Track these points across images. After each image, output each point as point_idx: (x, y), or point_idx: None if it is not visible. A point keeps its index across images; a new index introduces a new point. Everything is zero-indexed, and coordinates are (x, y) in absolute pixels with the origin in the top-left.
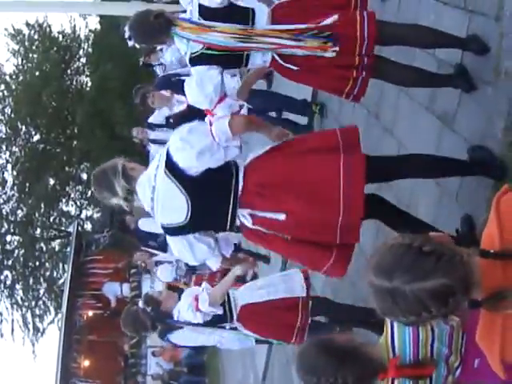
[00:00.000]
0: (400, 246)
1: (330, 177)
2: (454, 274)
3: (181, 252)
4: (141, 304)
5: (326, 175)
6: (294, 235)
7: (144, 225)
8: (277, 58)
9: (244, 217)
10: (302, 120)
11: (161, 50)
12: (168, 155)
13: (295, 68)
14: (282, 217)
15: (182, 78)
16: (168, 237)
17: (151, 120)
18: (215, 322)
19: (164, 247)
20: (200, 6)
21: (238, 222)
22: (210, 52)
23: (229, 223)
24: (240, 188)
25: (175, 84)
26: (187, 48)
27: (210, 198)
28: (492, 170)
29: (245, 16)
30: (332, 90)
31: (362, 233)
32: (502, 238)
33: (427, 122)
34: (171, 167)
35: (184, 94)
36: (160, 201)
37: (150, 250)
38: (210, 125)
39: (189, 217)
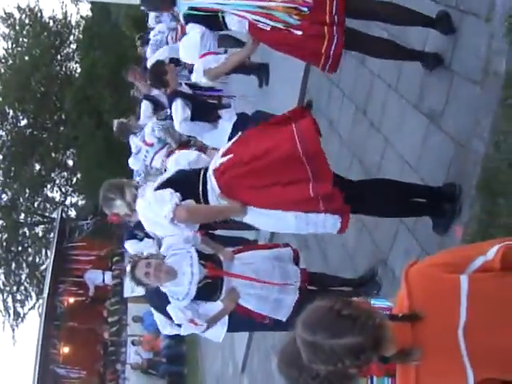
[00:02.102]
0: (323, 307)
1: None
2: (366, 334)
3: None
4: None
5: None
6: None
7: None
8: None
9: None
10: None
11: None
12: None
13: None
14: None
15: None
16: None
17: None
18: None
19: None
20: None
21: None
22: (193, 13)
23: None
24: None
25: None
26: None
27: None
28: (447, 212)
29: None
30: (308, 55)
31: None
32: (411, 301)
33: (414, 120)
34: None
35: None
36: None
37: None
38: None
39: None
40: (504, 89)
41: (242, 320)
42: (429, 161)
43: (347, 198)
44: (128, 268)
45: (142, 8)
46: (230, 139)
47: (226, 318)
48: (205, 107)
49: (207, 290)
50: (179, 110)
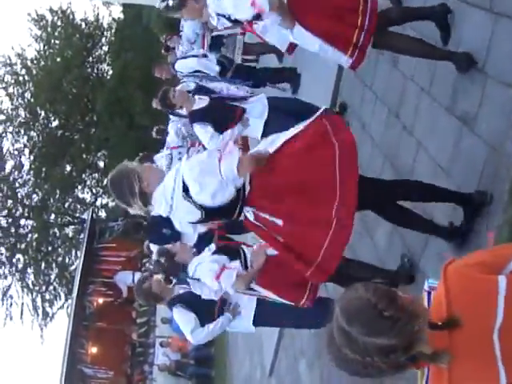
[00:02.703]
0: (367, 300)
1: (327, 174)
2: (402, 337)
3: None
4: (155, 256)
5: (324, 174)
6: (286, 241)
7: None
8: None
9: (248, 212)
10: None
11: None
12: (184, 184)
13: None
14: (279, 222)
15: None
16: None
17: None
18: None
19: (178, 237)
20: None
21: (242, 217)
22: None
23: (236, 216)
24: (247, 191)
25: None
26: None
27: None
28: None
29: None
30: (336, 39)
31: (375, 230)
32: (449, 300)
33: (447, 123)
34: (188, 194)
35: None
36: (177, 217)
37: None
38: (219, 161)
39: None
40: None
41: (269, 311)
42: (461, 164)
43: (375, 198)
44: (154, 256)
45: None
46: (263, 133)
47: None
48: (225, 112)
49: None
50: (201, 133)
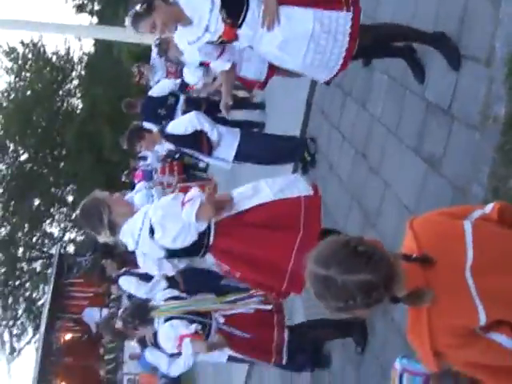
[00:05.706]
0: (339, 242)
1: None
2: (380, 272)
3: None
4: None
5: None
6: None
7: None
8: None
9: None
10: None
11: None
12: (151, 226)
13: None
14: (238, 274)
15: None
16: None
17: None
18: None
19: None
20: None
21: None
22: None
23: (200, 256)
24: (211, 239)
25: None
26: None
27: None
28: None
29: None
30: None
31: None
32: (418, 242)
33: (413, 164)
34: (152, 236)
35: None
36: (141, 253)
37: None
38: (182, 204)
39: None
40: (503, 134)
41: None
42: (428, 206)
43: None
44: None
45: None
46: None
47: None
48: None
49: None
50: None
